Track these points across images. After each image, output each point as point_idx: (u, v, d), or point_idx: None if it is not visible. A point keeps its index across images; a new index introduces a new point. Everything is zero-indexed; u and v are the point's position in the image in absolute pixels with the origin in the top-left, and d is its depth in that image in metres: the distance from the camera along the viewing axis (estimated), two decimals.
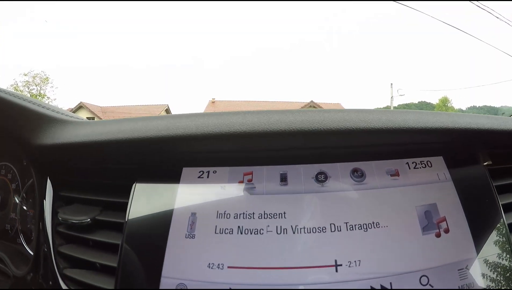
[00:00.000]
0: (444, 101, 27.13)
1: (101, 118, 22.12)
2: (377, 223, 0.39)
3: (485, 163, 0.46)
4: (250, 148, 0.42)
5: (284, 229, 0.38)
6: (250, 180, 0.41)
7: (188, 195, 0.41)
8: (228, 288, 0.36)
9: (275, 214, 0.39)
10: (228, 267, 0.37)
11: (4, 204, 0.58)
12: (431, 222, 0.40)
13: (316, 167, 0.41)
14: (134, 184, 0.42)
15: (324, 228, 0.38)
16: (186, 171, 0.42)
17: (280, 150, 0.43)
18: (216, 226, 0.39)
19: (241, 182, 0.41)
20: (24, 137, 0.48)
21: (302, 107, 22.19)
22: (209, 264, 0.37)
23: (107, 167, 0.47)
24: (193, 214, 0.40)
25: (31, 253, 0.46)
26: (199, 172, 0.42)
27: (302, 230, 0.38)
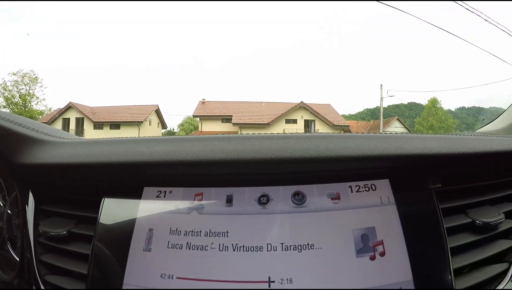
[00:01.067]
0: (433, 102, 25.97)
1: (90, 119, 22.83)
2: (312, 245, 0.42)
3: (433, 186, 0.47)
4: (200, 172, 0.47)
5: (225, 247, 0.42)
6: (200, 200, 0.45)
7: (147, 212, 0.46)
8: None
9: (219, 233, 0.43)
10: (177, 277, 0.42)
11: None
12: (366, 245, 0.42)
13: (260, 190, 0.45)
14: (102, 199, 0.48)
15: (261, 247, 0.42)
16: (146, 190, 0.47)
17: (227, 174, 0.47)
18: (168, 241, 0.44)
19: (192, 202, 0.45)
20: (6, 156, 0.54)
21: (292, 108, 21.98)
22: (162, 274, 0.43)
23: (80, 184, 0.53)
24: (150, 230, 0.45)
25: (17, 259, 0.54)
26: (157, 191, 0.47)
27: (242, 248, 0.42)
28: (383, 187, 0.46)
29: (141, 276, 0.43)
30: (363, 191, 0.45)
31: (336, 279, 0.40)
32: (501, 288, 0.46)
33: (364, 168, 0.46)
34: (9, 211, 0.59)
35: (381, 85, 20.81)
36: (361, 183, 0.46)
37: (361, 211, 0.44)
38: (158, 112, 27.09)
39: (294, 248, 0.42)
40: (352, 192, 0.45)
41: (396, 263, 0.41)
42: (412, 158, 0.45)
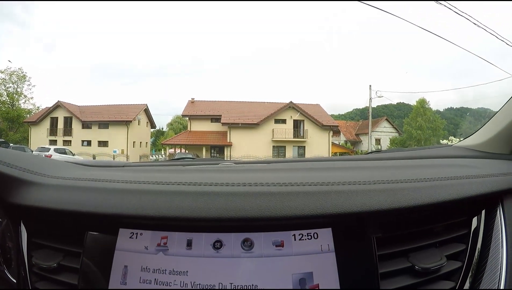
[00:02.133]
0: (422, 103, 26.23)
1: (79, 118, 22.84)
2: (256, 285, 0.49)
3: (373, 235, 0.52)
4: (163, 223, 0.55)
5: (185, 284, 0.50)
6: (165, 243, 0.53)
7: (122, 250, 0.55)
8: None
9: (180, 272, 0.51)
10: None
11: None
12: (303, 288, 0.49)
13: (214, 236, 0.53)
14: (86, 234, 0.57)
15: (214, 285, 0.50)
16: (121, 231, 0.56)
17: (189, 221, 0.54)
18: (140, 277, 0.52)
19: (159, 244, 0.54)
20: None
21: (281, 108, 22.02)
22: None
23: (66, 221, 0.61)
24: (125, 266, 0.53)
25: (13, 280, 0.61)
26: (130, 233, 0.55)
27: (198, 285, 0.50)
28: (325, 235, 0.52)
29: None
30: (305, 239, 0.52)
31: None
32: None
33: (307, 221, 0.53)
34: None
35: (370, 85, 20.94)
36: (304, 232, 0.52)
37: (302, 257, 0.51)
38: (147, 112, 27.06)
39: (241, 288, 0.49)
40: (295, 240, 0.52)
41: None
42: (352, 215, 0.51)
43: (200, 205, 0.52)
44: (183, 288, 0.50)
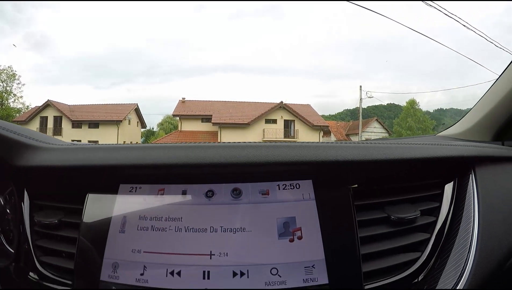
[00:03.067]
0: (412, 103, 27.08)
1: (69, 117, 22.67)
2: (244, 228, 0.55)
3: (350, 186, 0.58)
4: (160, 172, 0.60)
5: (179, 228, 0.56)
6: (162, 195, 0.59)
7: (122, 203, 0.60)
8: (143, 264, 0.55)
9: (175, 218, 0.56)
10: (144, 251, 0.56)
11: None
12: (287, 230, 0.55)
13: (207, 187, 0.58)
14: (87, 195, 0.61)
15: (205, 229, 0.55)
16: (122, 187, 0.61)
17: (182, 174, 0.60)
18: (138, 225, 0.57)
19: (156, 195, 0.59)
20: (5, 159, 0.64)
21: (272, 108, 22.36)
22: (132, 249, 0.56)
23: (68, 182, 0.66)
24: (124, 216, 0.58)
25: (11, 250, 0.65)
26: (130, 187, 0.60)
27: (191, 229, 0.55)
28: (306, 186, 0.58)
29: (117, 251, 0.57)
30: (288, 188, 0.58)
31: (261, 255, 0.53)
32: (410, 272, 0.57)
33: (289, 171, 0.59)
34: (2, 203, 0.70)
35: (361, 86, 21.35)
36: (287, 183, 0.58)
37: (285, 204, 0.57)
38: (137, 111, 26.96)
39: (230, 231, 0.55)
40: (279, 189, 0.58)
41: (311, 245, 0.54)
42: (326, 164, 0.58)
43: (195, 154, 0.58)
44: (178, 231, 0.55)
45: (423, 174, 0.66)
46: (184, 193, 0.58)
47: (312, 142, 0.63)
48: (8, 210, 0.71)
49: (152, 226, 0.57)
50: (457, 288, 0.54)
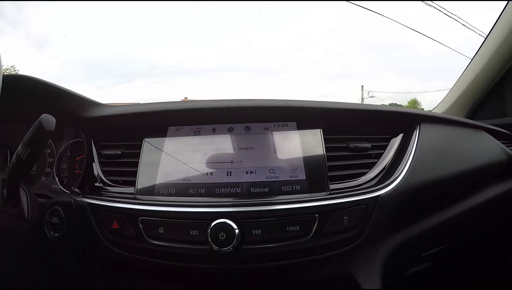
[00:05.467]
0: (414, 103, 27.32)
1: None
2: (252, 147, 0.85)
3: (320, 126, 0.89)
4: (198, 114, 0.91)
5: (211, 150, 0.86)
6: (199, 131, 0.90)
7: (171, 139, 0.90)
8: (188, 169, 0.84)
9: (209, 144, 0.87)
10: (189, 166, 0.85)
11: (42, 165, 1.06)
12: (280, 148, 0.86)
13: (228, 125, 0.90)
14: (143, 140, 0.90)
15: (226, 148, 0.86)
16: (170, 129, 0.91)
17: (211, 116, 0.91)
18: (183, 151, 0.87)
19: (194, 133, 0.90)
20: (78, 113, 0.89)
21: None
22: (177, 162, 0.86)
23: (127, 130, 0.95)
24: (174, 146, 0.88)
25: (62, 188, 0.97)
26: (176, 128, 0.91)
27: (220, 149, 0.86)
28: (293, 126, 0.89)
29: (168, 167, 0.86)
30: (281, 126, 0.89)
31: (263, 162, 0.83)
32: (362, 177, 0.85)
33: (281, 114, 0.91)
34: (69, 152, 1.02)
35: (362, 86, 21.42)
36: (280, 123, 0.90)
37: (279, 134, 0.88)
38: None
39: (244, 149, 0.85)
40: (275, 127, 0.89)
41: (296, 157, 0.84)
42: (305, 109, 0.90)
43: (221, 102, 0.90)
44: (210, 152, 0.86)
45: (379, 125, 0.95)
46: (213, 130, 0.90)
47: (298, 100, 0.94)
48: (69, 152, 1.02)
49: (193, 149, 0.87)
50: (390, 188, 0.81)
